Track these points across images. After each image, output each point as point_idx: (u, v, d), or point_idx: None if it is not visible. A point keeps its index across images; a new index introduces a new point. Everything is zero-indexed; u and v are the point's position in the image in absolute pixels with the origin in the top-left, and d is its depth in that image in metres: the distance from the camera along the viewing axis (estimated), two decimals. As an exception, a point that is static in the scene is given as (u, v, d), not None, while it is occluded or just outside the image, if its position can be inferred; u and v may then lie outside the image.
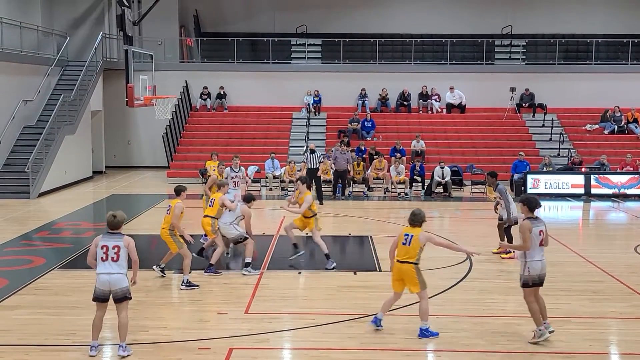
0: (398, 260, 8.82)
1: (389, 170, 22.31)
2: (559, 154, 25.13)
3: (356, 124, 26.52)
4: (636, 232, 16.13)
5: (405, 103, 28.21)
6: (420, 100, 28.19)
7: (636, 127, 26.48)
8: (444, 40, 29.16)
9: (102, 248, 8.09)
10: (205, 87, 28.48)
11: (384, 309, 9.06)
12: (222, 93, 28.59)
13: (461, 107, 28.04)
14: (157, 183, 24.70)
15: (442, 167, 21.81)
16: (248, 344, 8.57)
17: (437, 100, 28.16)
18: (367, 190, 22.05)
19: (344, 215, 18.33)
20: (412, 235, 8.76)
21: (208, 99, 28.60)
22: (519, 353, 8.29)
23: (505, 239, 13.12)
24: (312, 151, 20.76)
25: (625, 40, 28.75)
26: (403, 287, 8.93)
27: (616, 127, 26.62)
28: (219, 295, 10.71)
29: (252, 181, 23.17)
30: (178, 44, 29.67)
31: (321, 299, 10.51)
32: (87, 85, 24.97)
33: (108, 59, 26.98)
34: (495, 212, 13.71)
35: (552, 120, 27.02)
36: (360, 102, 27.98)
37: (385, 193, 22.15)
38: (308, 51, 30.02)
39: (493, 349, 8.39)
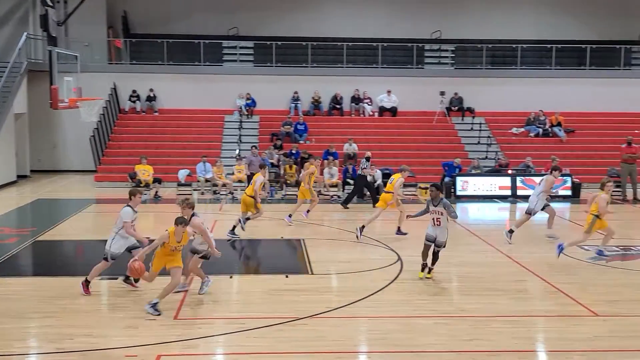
0: None
1: (321, 173, 22.35)
2: (486, 157, 25.74)
3: (289, 127, 26.50)
4: (560, 233, 16.61)
5: (338, 106, 28.37)
6: (353, 104, 28.40)
7: (560, 131, 27.38)
8: (375, 44, 29.47)
9: None
10: (134, 90, 27.94)
11: None
12: (151, 95, 28.09)
13: (393, 111, 28.40)
14: (84, 187, 24.05)
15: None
16: (177, 350, 8.41)
17: (369, 103, 28.44)
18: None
19: (276, 218, 18.26)
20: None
21: (137, 102, 28.05)
22: (448, 352, 8.40)
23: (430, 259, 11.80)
24: (368, 159, 20.70)
25: (549, 46, 29.70)
26: None
27: (541, 130, 27.46)
28: (148, 301, 10.47)
29: (183, 185, 22.89)
30: (106, 45, 29.00)
31: (252, 303, 10.41)
32: (11, 87, 24.11)
33: (33, 60, 26.13)
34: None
35: (480, 123, 27.65)
36: (293, 105, 27.97)
37: (318, 196, 22.14)
38: (240, 54, 29.84)
39: (423, 349, 8.47)
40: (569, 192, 22.62)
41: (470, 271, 12.42)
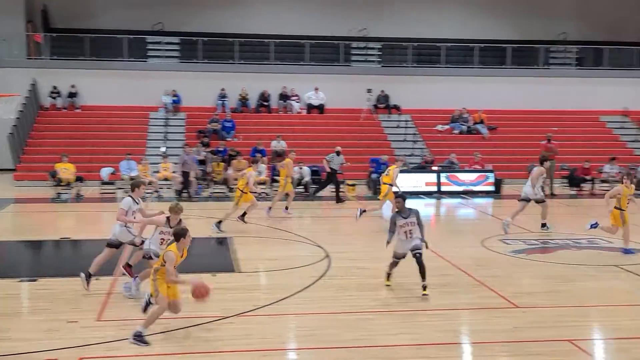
0: None
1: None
2: (412, 154, 26.16)
3: (216, 124, 26.23)
4: (483, 227, 17.07)
5: (266, 103, 28.28)
6: (281, 101, 28.36)
7: (483, 128, 28.09)
8: (302, 41, 29.51)
9: None
10: (55, 86, 27.07)
11: None
12: (73, 92, 27.28)
13: (320, 108, 28.51)
14: (3, 186, 23.15)
15: (301, 168, 22.01)
16: (99, 352, 8.17)
17: (297, 100, 28.46)
18: (229, 191, 21.85)
19: (203, 216, 18.03)
20: None
21: (58, 98, 27.19)
22: (374, 347, 8.47)
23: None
24: (338, 153, 21.58)
25: (472, 45, 30.42)
26: None
27: (465, 127, 28.11)
28: (70, 303, 10.14)
29: (107, 183, 22.35)
30: (25, 39, 27.98)
31: (178, 303, 10.21)
32: None
33: (-54, 54, 25.00)
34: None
35: (406, 121, 28.10)
36: (220, 102, 27.71)
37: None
38: (165, 50, 29.33)
39: (350, 344, 8.52)
40: (491, 188, 23.21)
41: (397, 266, 12.54)
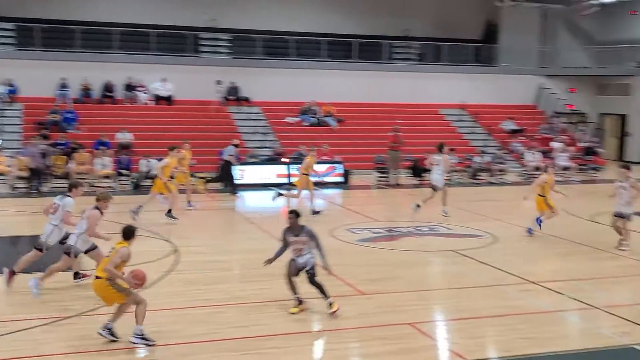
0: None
1: (93, 164, 21.29)
2: (263, 146, 26.21)
3: (56, 115, 24.85)
4: (333, 218, 17.43)
5: (110, 94, 27.16)
6: (126, 92, 27.37)
7: (331, 120, 28.68)
8: (149, 30, 28.60)
9: None
10: None
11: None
12: None
13: (168, 99, 27.83)
14: None
15: (149, 161, 21.39)
16: None
17: (144, 91, 27.59)
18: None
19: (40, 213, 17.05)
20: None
21: None
22: (222, 340, 8.38)
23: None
24: (236, 145, 21.84)
25: (320, 39, 30.93)
26: None
27: (314, 119, 28.57)
28: None
29: None
30: None
31: (15, 304, 9.58)
32: None
33: None
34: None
35: (257, 113, 28.10)
36: (60, 92, 26.25)
37: (90, 188, 21.05)
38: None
39: (196, 339, 8.37)
40: (340, 179, 23.75)
41: (247, 258, 12.53)
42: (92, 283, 8.50)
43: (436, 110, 31.29)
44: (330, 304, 9.33)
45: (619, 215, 13.78)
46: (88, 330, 8.58)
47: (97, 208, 10.07)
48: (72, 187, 10.78)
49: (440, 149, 17.57)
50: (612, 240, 14.67)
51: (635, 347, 8.41)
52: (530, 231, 14.87)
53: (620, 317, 9.50)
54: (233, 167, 21.60)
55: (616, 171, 15.08)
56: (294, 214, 9.71)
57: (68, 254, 10.17)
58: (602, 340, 8.68)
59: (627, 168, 14.25)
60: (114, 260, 8.22)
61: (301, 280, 9.51)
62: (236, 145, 22.10)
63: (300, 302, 9.58)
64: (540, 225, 14.83)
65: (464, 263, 12.55)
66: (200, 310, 9.57)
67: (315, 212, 17.09)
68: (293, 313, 9.42)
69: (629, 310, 9.80)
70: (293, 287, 9.60)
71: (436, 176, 17.18)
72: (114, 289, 8.17)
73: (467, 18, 34.28)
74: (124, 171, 21.82)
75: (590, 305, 10.03)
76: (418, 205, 16.60)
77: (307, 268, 9.48)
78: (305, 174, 17.75)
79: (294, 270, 9.62)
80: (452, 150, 25.20)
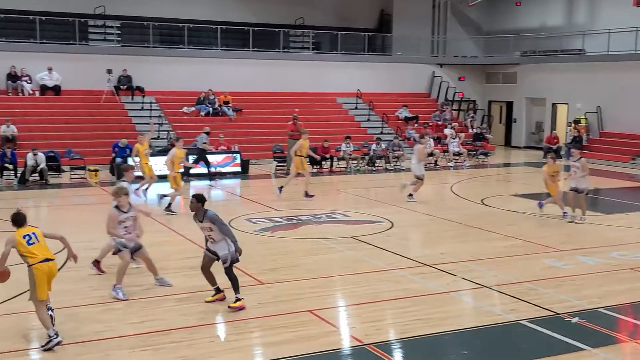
0: (47, 259, 8.00)
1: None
2: (159, 137, 25.57)
3: None
4: (231, 208, 17.27)
5: (-8, 84, 25.72)
6: (9, 82, 25.97)
7: (229, 109, 28.36)
8: (32, 17, 27.17)
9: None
10: None
11: (48, 323, 7.95)
12: None
13: (56, 89, 26.63)
14: None
15: (36, 154, 20.41)
16: None
17: (29, 81, 26.28)
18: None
19: None
20: (34, 233, 8.14)
21: None
22: (117, 338, 8.11)
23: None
24: (207, 133, 22.69)
25: (215, 27, 30.45)
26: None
27: (211, 109, 28.15)
28: None
29: None
30: None
31: None
32: None
33: None
34: None
35: (151, 103, 27.38)
36: (-64, 82, 24.63)
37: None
38: None
39: (89, 338, 8.06)
40: (238, 169, 23.53)
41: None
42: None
43: (334, 99, 31.57)
44: (237, 300, 9.16)
45: (574, 190, 15.26)
46: (-30, 334, 8.09)
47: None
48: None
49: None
50: (500, 222, 15.33)
51: (522, 322, 8.80)
52: (540, 204, 15.90)
53: (508, 294, 9.91)
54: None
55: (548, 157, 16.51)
56: (196, 198, 9.32)
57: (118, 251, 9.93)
58: (493, 318, 9.03)
59: (578, 149, 16.27)
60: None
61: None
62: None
63: (219, 291, 9.47)
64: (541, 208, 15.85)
65: (361, 249, 12.73)
66: (93, 308, 9.23)
67: (309, 196, 18.10)
68: (208, 302, 9.39)
69: (516, 287, 10.25)
70: (210, 279, 9.46)
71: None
72: None
73: (362, 7, 34.76)
74: (9, 165, 20.72)
75: (481, 284, 10.42)
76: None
77: (226, 265, 9.20)
78: (300, 156, 18.50)
79: (207, 262, 9.42)
80: (348, 138, 25.60)
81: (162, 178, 18.12)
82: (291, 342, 8.08)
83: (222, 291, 9.54)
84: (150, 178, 17.97)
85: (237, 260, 9.37)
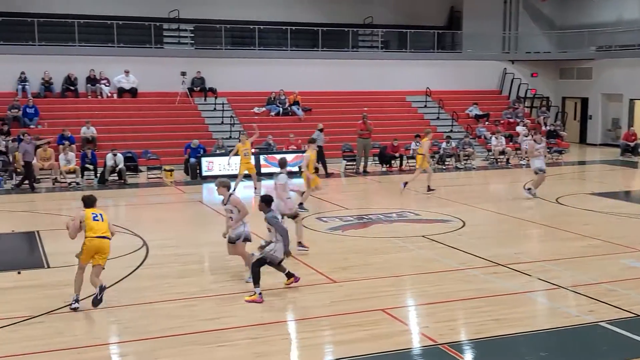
0: (97, 237, 9.19)
1: (57, 159, 20.97)
2: (230, 137, 26.04)
3: (17, 110, 24.39)
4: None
5: (72, 88, 26.71)
6: (89, 85, 26.95)
7: (298, 109, 28.61)
8: (110, 22, 28.09)
9: None
10: None
11: (78, 287, 9.20)
12: None
13: (132, 92, 27.47)
14: None
15: (115, 154, 21.11)
16: None
17: (107, 84, 27.19)
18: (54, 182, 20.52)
19: (6, 210, 16.76)
20: (100, 213, 9.42)
21: None
22: (193, 333, 8.34)
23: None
24: (321, 130, 23.11)
25: (285, 27, 30.75)
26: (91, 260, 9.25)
27: (281, 109, 28.46)
28: None
29: None
30: None
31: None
32: None
33: None
34: None
35: (223, 103, 27.89)
36: (20, 86, 25.75)
37: (54, 184, 20.75)
38: (-46, 30, 26.70)
39: (167, 333, 8.32)
40: (308, 168, 23.66)
41: (217, 251, 12.42)
42: (103, 242, 9.22)
43: (403, 97, 31.40)
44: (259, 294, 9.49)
45: None
46: (56, 328, 8.48)
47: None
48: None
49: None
50: (576, 221, 14.96)
51: (601, 324, 8.58)
52: None
53: (586, 295, 9.68)
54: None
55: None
56: (262, 199, 9.99)
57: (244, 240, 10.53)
58: (570, 319, 8.84)
59: None
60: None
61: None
62: (321, 130, 23.13)
63: (290, 275, 9.99)
64: None
65: (433, 248, 12.66)
66: (171, 304, 9.49)
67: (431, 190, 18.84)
68: (287, 284, 10.00)
69: (594, 288, 10.00)
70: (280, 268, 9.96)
71: None
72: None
73: (431, 5, 34.42)
74: (89, 166, 21.52)
75: (557, 285, 10.21)
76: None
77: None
78: (420, 154, 19.34)
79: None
80: (418, 136, 25.41)
81: (232, 178, 18.42)
82: (363, 341, 8.12)
83: (294, 275, 9.97)
84: (257, 175, 19.41)
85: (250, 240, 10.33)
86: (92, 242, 9.16)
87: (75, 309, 9.05)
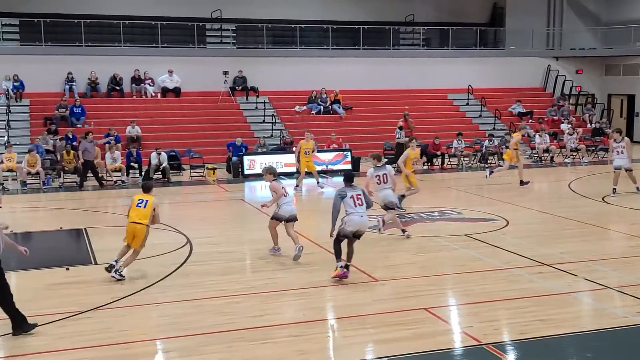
0: (132, 222, 10.37)
1: (103, 158, 21.39)
2: (272, 135, 26.22)
3: (64, 110, 24.94)
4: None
5: (117, 87, 27.22)
6: (133, 85, 27.41)
7: (339, 108, 28.64)
8: (154, 22, 28.54)
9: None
10: None
11: (120, 254, 10.57)
12: None
13: (176, 91, 27.84)
14: None
15: (159, 153, 21.45)
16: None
17: (151, 84, 27.62)
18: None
19: (55, 208, 17.15)
20: (146, 200, 10.45)
21: None
22: (239, 330, 8.43)
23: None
24: (401, 128, 23.75)
25: (326, 26, 30.80)
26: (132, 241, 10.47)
27: (322, 107, 28.53)
28: None
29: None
30: None
31: (31, 300, 9.63)
32: None
33: None
34: None
35: (265, 102, 28.08)
36: (67, 87, 26.35)
37: (100, 182, 21.15)
38: (3, 32, 27.39)
39: (214, 330, 8.43)
40: (349, 167, 23.72)
41: (259, 248, 12.57)
42: (136, 227, 10.39)
43: (445, 95, 31.19)
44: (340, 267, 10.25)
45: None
46: (106, 323, 8.66)
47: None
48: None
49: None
50: (624, 221, 14.67)
51: (651, 326, 8.42)
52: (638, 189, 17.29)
53: (633, 296, 9.50)
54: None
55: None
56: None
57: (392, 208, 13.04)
58: (617, 320, 8.69)
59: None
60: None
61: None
62: (400, 128, 23.85)
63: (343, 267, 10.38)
64: None
65: (476, 247, 12.55)
66: (215, 301, 9.61)
67: (525, 183, 19.26)
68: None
69: (643, 290, 9.81)
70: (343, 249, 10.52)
71: None
72: (145, 235, 10.47)
73: (474, 2, 34.09)
74: (134, 164, 21.90)
75: (604, 285, 10.04)
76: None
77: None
78: (515, 149, 19.87)
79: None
80: (460, 134, 25.22)
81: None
82: (407, 340, 8.11)
83: (348, 268, 10.38)
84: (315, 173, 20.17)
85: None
86: (129, 226, 10.44)
87: (109, 268, 10.45)
